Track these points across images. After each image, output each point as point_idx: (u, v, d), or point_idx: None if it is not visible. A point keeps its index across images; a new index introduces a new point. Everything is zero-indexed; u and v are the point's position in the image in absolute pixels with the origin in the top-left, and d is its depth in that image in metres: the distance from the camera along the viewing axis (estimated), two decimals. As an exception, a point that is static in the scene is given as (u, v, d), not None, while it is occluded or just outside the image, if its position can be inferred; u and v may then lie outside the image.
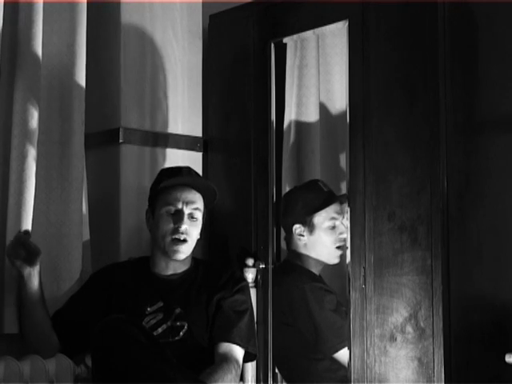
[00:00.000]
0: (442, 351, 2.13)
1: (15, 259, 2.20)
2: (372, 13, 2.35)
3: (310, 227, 2.66)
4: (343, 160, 2.72)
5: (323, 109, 2.84)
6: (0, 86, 2.34)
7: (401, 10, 2.29)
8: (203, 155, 2.85)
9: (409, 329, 2.20)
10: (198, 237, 2.40)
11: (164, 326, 2.29)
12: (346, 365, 2.42)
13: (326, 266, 2.72)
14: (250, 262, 2.56)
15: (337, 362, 2.54)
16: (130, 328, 2.05)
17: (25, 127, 2.30)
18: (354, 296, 2.32)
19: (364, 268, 2.30)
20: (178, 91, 2.80)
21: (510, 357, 1.97)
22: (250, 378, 2.47)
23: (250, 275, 2.54)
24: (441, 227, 2.17)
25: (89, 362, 2.25)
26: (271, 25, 2.66)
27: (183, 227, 2.31)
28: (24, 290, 2.22)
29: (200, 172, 2.80)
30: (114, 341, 2.02)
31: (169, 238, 2.32)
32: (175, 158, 2.74)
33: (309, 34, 2.65)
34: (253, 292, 2.51)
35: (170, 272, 2.38)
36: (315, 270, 2.70)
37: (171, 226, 2.31)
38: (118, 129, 2.61)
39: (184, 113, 2.81)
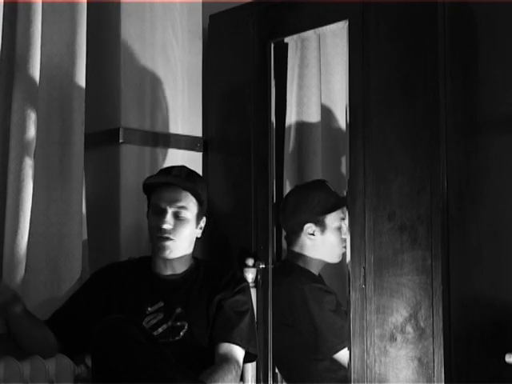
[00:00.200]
0: (442, 351, 2.13)
1: None
2: (372, 13, 2.35)
3: (322, 227, 2.67)
4: (344, 161, 2.72)
5: (324, 109, 2.84)
6: (-1, 85, 2.35)
7: (401, 10, 2.29)
8: (203, 155, 2.85)
9: (409, 329, 2.20)
10: (198, 235, 2.40)
11: (164, 326, 2.29)
12: (346, 365, 2.42)
13: (326, 266, 2.72)
14: (250, 262, 2.56)
15: (337, 363, 2.54)
16: (130, 328, 2.05)
17: (23, 127, 2.30)
18: (354, 296, 2.32)
19: (364, 268, 2.30)
20: (178, 91, 2.80)
21: (510, 357, 1.97)
22: (250, 378, 2.47)
23: (250, 275, 2.54)
24: (441, 227, 2.17)
25: (89, 362, 2.25)
26: (271, 25, 2.66)
27: (164, 226, 2.31)
28: (13, 327, 2.20)
29: (200, 172, 2.80)
30: (113, 341, 2.02)
31: (155, 237, 2.34)
32: (175, 158, 2.74)
33: (309, 33, 2.65)
34: (253, 292, 2.51)
35: (168, 272, 2.38)
36: (315, 270, 2.70)
37: (156, 224, 2.32)
38: (118, 129, 2.61)
39: (184, 113, 2.81)
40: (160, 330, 2.28)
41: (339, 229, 2.67)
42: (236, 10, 2.76)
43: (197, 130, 2.86)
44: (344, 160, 2.73)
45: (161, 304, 2.32)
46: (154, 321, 2.29)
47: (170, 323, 2.29)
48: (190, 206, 2.34)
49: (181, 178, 2.36)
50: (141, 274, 2.40)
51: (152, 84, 2.72)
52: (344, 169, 2.72)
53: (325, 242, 2.67)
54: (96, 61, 2.63)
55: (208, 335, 2.30)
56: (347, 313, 2.37)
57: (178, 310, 2.31)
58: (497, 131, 2.18)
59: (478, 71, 2.20)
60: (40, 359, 2.18)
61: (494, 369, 2.09)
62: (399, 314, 2.23)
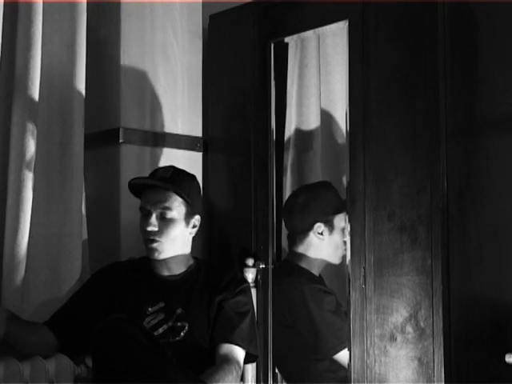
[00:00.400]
0: (442, 351, 2.13)
1: None
2: (372, 13, 2.35)
3: (331, 227, 2.67)
4: (344, 160, 2.72)
5: (324, 109, 2.84)
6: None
7: (401, 10, 2.29)
8: (203, 155, 2.85)
9: (409, 329, 2.20)
10: (192, 234, 2.39)
11: (165, 327, 2.29)
12: (346, 365, 2.42)
13: (327, 267, 2.72)
14: (250, 262, 2.56)
15: (336, 363, 2.54)
16: (130, 328, 2.05)
17: (24, 128, 2.30)
18: (354, 296, 2.32)
19: (364, 268, 2.30)
20: (178, 91, 2.80)
21: (510, 357, 1.97)
22: (250, 378, 2.47)
23: (250, 275, 2.55)
24: (441, 227, 2.17)
25: (89, 362, 2.25)
26: (271, 25, 2.66)
27: (149, 228, 2.31)
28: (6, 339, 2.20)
29: (200, 172, 2.81)
30: (114, 341, 2.02)
31: (144, 239, 2.35)
32: (175, 158, 2.74)
33: (309, 33, 2.65)
34: (253, 292, 2.51)
35: (166, 273, 2.38)
36: (316, 271, 2.70)
37: (142, 226, 2.34)
38: (118, 129, 2.61)
39: (184, 113, 2.81)
40: (160, 330, 2.27)
41: (343, 230, 2.67)
42: (236, 10, 2.76)
43: (197, 130, 2.85)
44: (342, 157, 2.73)
45: (161, 304, 2.32)
46: (155, 321, 2.29)
47: (170, 323, 2.29)
48: (174, 206, 2.33)
49: (165, 179, 2.34)
50: (141, 274, 2.40)
51: (152, 84, 2.72)
52: (344, 169, 2.72)
53: (331, 243, 2.67)
54: (96, 61, 2.63)
55: (208, 336, 2.30)
56: (347, 313, 2.37)
57: (179, 311, 2.31)
58: (497, 131, 2.18)
59: (477, 71, 2.20)
60: (40, 359, 2.18)
61: (494, 369, 2.09)
62: (399, 314, 2.23)
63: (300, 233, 2.70)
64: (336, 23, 2.50)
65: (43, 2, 2.36)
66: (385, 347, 2.25)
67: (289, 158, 2.83)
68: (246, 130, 2.69)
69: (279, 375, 2.62)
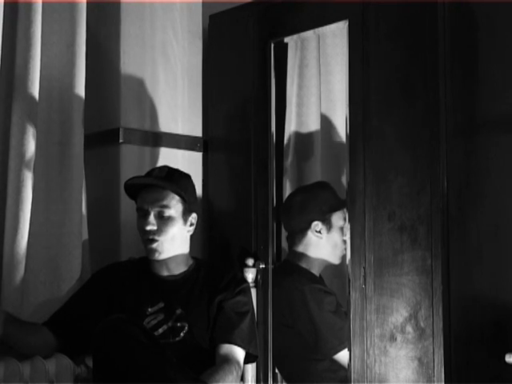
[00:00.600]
0: (442, 351, 2.13)
1: None
2: (372, 13, 2.35)
3: (329, 225, 2.67)
4: (344, 160, 2.72)
5: (324, 109, 2.84)
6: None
7: (401, 10, 2.29)
8: (203, 155, 2.85)
9: (409, 329, 2.20)
10: (190, 232, 2.39)
11: (165, 327, 2.28)
12: (346, 365, 2.42)
13: (327, 267, 2.72)
14: (250, 262, 2.56)
15: (336, 363, 2.54)
16: (130, 328, 2.05)
17: (23, 128, 2.30)
18: (354, 296, 2.32)
19: (364, 268, 2.30)
20: (178, 91, 2.80)
21: (510, 357, 1.97)
22: (250, 378, 2.47)
23: (250, 275, 2.55)
24: (441, 227, 2.17)
25: (89, 362, 2.25)
26: (271, 25, 2.66)
27: (148, 227, 2.31)
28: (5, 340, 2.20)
29: (200, 172, 2.81)
30: (114, 341, 2.02)
31: (143, 240, 2.35)
32: (175, 158, 2.74)
33: (309, 33, 2.65)
34: (253, 292, 2.51)
35: (165, 273, 2.38)
36: (316, 271, 2.70)
37: (141, 226, 2.33)
38: (118, 129, 2.61)
39: (184, 113, 2.81)
40: (160, 330, 2.27)
41: (342, 229, 2.67)
42: (236, 10, 2.76)
43: (197, 130, 2.85)
44: (342, 157, 2.73)
45: (161, 305, 2.32)
46: (155, 321, 2.29)
47: (170, 324, 2.29)
48: (172, 204, 2.33)
49: (161, 178, 2.35)
50: (141, 275, 2.39)
51: (152, 84, 2.72)
52: (344, 169, 2.72)
53: (329, 241, 2.67)
54: (96, 61, 2.63)
55: (208, 336, 2.30)
56: (347, 313, 2.37)
57: (179, 311, 2.31)
58: (497, 131, 2.18)
59: (477, 71, 2.20)
60: (40, 359, 2.18)
61: (494, 369, 2.09)
62: (399, 313, 2.23)
63: (298, 232, 2.70)
64: (336, 23, 2.50)
65: (43, 2, 2.36)
66: (385, 347, 2.25)
67: (289, 158, 2.83)
68: (246, 130, 2.69)
69: (279, 375, 2.62)
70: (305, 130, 2.85)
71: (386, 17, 2.32)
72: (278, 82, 2.70)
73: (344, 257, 2.60)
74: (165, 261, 2.35)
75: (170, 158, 2.72)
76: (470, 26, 2.22)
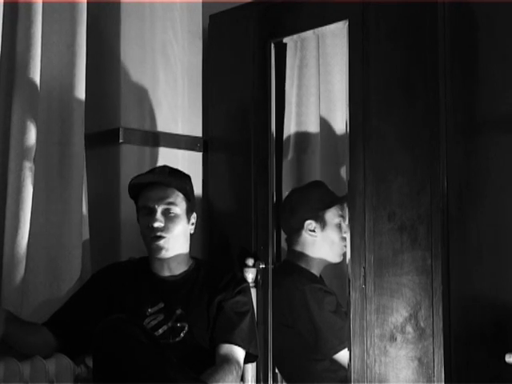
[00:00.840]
0: (442, 351, 2.13)
1: None
2: (372, 13, 2.35)
3: (323, 223, 2.67)
4: (344, 160, 2.72)
5: (324, 109, 2.84)
6: (-1, 85, 2.35)
7: (401, 10, 2.29)
8: (203, 155, 2.85)
9: (409, 329, 2.20)
10: (191, 231, 2.40)
11: (165, 327, 2.28)
12: (346, 365, 2.42)
13: (327, 266, 2.72)
14: (250, 262, 2.56)
15: (336, 363, 2.54)
16: (131, 328, 2.05)
17: (23, 128, 2.30)
18: (354, 296, 2.32)
19: (364, 268, 2.30)
20: (178, 91, 2.80)
21: (510, 357, 1.97)
22: (250, 378, 2.47)
23: (250, 275, 2.54)
24: (441, 227, 2.17)
25: (89, 362, 2.25)
26: (271, 25, 2.66)
27: (156, 224, 2.30)
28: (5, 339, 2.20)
29: (200, 172, 2.81)
30: (115, 341, 2.02)
31: (148, 238, 2.34)
32: (175, 158, 2.74)
33: (309, 33, 2.65)
34: (253, 292, 2.51)
35: (166, 273, 2.38)
36: (316, 271, 2.70)
37: (147, 224, 2.32)
38: (118, 129, 2.61)
39: (184, 113, 2.81)
40: (160, 331, 2.27)
41: (339, 226, 2.67)
42: (236, 10, 2.76)
43: (197, 130, 2.85)
44: (343, 160, 2.73)
45: (161, 305, 2.32)
46: (155, 322, 2.29)
47: (170, 324, 2.29)
48: (178, 202, 2.34)
49: (165, 175, 2.36)
50: (141, 275, 2.39)
51: (152, 84, 2.72)
52: (343, 169, 2.72)
53: (325, 239, 2.67)
54: (96, 61, 2.63)
55: (208, 336, 2.30)
56: (347, 313, 2.37)
57: (179, 311, 2.31)
58: (497, 131, 2.18)
59: (477, 71, 2.20)
60: (40, 359, 2.18)
61: (494, 369, 2.09)
62: (399, 314, 2.23)
63: (294, 233, 2.71)
64: (336, 23, 2.50)
65: (43, 2, 2.36)
66: (385, 347, 2.25)
67: (288, 158, 2.83)
68: (246, 129, 2.69)
69: (279, 375, 2.62)
70: (304, 129, 2.85)
71: (386, 17, 2.32)
72: (277, 81, 2.70)
73: (344, 254, 2.60)
74: (167, 260, 2.35)
75: (170, 157, 2.72)
76: (470, 26, 2.22)
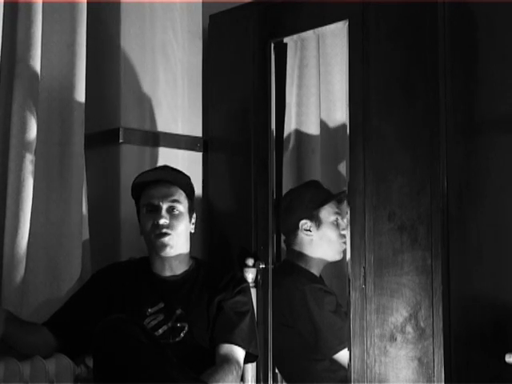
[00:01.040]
0: (442, 351, 2.13)
1: None
2: (372, 13, 2.35)
3: (318, 221, 2.67)
4: (344, 160, 2.72)
5: (324, 109, 2.84)
6: (-1, 85, 2.35)
7: (401, 10, 2.29)
8: (203, 155, 2.85)
9: (409, 329, 2.20)
10: (192, 230, 2.40)
11: (165, 327, 2.28)
12: (346, 365, 2.42)
13: (327, 266, 2.72)
14: (250, 262, 2.56)
15: (336, 363, 2.54)
16: (131, 328, 2.05)
17: (23, 127, 2.30)
18: (354, 296, 2.32)
19: (364, 268, 2.30)
20: (178, 91, 2.80)
21: (510, 357, 1.97)
22: (250, 378, 2.47)
23: (250, 275, 2.54)
24: (441, 227, 2.17)
25: (89, 362, 2.25)
26: (271, 25, 2.66)
27: (161, 221, 2.31)
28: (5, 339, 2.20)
29: (200, 172, 2.81)
30: (115, 341, 2.02)
31: (152, 236, 2.33)
32: (175, 158, 2.74)
33: (309, 33, 2.65)
34: (253, 292, 2.51)
35: (167, 273, 2.38)
36: (316, 271, 2.70)
37: (151, 222, 2.32)
38: (118, 129, 2.61)
39: (184, 113, 2.81)
40: (160, 331, 2.27)
41: (336, 224, 2.67)
42: (236, 10, 2.76)
43: (197, 130, 2.86)
44: (342, 157, 2.74)
45: (161, 305, 2.32)
46: (155, 322, 2.29)
47: (170, 324, 2.29)
48: (181, 200, 2.35)
49: (169, 173, 2.37)
50: (141, 275, 2.39)
51: (152, 84, 2.72)
52: (343, 168, 2.72)
53: (322, 238, 2.67)
54: (96, 61, 2.63)
55: (208, 336, 2.30)
56: (347, 313, 2.37)
57: (179, 311, 2.31)
58: (497, 131, 2.18)
59: (477, 71, 2.20)
60: (40, 359, 2.18)
61: (494, 369, 2.09)
62: (399, 313, 2.23)
63: (291, 233, 2.71)
64: (336, 23, 2.50)
65: (43, 2, 2.36)
66: (385, 347, 2.25)
67: (288, 158, 2.83)
68: (246, 129, 2.69)
69: (279, 375, 2.62)
70: (304, 129, 2.85)
71: (386, 17, 2.32)
72: (277, 81, 2.70)
73: (344, 251, 2.60)
74: (168, 259, 2.35)
75: (170, 157, 2.72)
76: (470, 26, 2.22)
